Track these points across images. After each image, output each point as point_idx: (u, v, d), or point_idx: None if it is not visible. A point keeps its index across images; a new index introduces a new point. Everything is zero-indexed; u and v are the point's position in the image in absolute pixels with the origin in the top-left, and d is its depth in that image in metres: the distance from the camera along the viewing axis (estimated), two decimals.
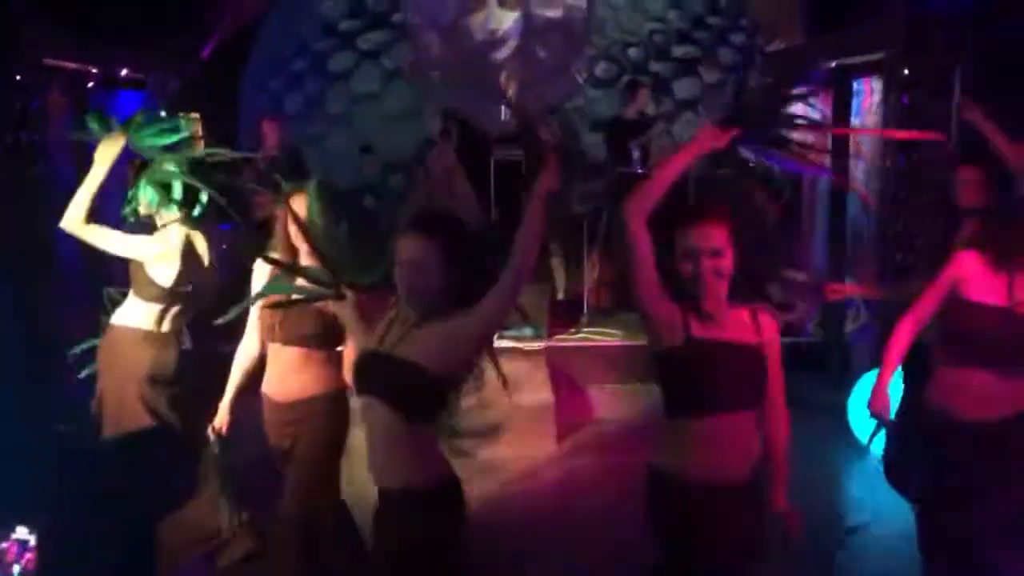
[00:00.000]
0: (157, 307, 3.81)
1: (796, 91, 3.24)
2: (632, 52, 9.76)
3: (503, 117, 9.10)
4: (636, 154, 7.98)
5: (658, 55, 9.68)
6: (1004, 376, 2.95)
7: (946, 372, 3.13)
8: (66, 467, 1.31)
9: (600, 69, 9.69)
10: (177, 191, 3.76)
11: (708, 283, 2.44)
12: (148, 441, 1.62)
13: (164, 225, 3.80)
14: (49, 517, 1.11)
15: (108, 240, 3.69)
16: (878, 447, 4.23)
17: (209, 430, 3.28)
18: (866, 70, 7.33)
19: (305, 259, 3.17)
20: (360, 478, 2.83)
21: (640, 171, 7.75)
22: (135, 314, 3.82)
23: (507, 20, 9.04)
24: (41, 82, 6.04)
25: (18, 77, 5.74)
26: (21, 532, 2.41)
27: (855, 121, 7.67)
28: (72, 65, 6.61)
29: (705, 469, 2.46)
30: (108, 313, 4.01)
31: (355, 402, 2.87)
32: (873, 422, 3.32)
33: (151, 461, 1.51)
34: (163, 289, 3.76)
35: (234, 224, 3.94)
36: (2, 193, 5.59)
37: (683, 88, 9.60)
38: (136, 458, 1.44)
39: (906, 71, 6.49)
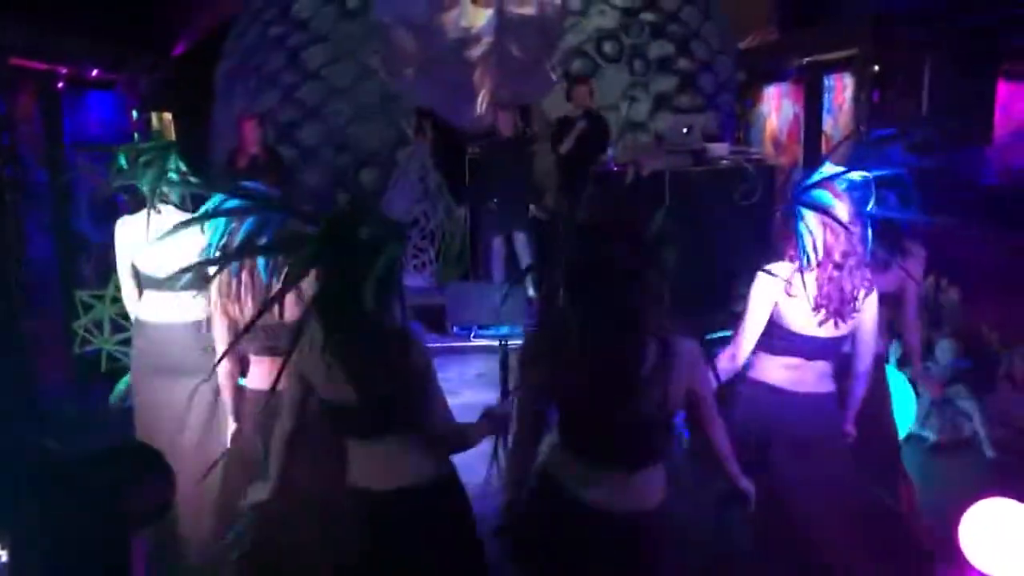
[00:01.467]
0: None
1: None
2: (607, 47, 9.75)
3: (477, 114, 9.09)
4: (610, 152, 8.02)
5: (633, 52, 9.68)
6: None
7: None
8: (40, 480, 1.30)
9: (575, 65, 9.67)
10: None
11: None
12: (128, 455, 1.60)
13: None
14: (20, 532, 1.10)
15: None
16: None
17: None
18: (838, 66, 7.40)
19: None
20: None
21: (615, 168, 7.78)
22: None
23: (481, 18, 9.02)
24: (7, 83, 5.96)
25: None
26: None
27: (826, 116, 7.75)
28: (40, 65, 6.52)
29: None
30: (79, 317, 4.00)
31: None
32: None
33: (129, 476, 1.49)
34: None
35: None
36: None
37: (659, 85, 9.62)
38: (114, 473, 1.42)
39: (876, 68, 6.56)
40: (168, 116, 9.74)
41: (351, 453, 2.59)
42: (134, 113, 7.97)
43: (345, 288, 2.25)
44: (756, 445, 3.03)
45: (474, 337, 6.95)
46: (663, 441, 2.48)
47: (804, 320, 3.03)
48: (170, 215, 3.74)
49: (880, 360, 3.61)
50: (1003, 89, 6.27)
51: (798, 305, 3.02)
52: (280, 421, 2.70)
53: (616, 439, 2.41)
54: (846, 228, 2.92)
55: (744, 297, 3.13)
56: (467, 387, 5.94)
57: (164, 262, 3.72)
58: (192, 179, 3.80)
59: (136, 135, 7.77)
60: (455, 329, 7.00)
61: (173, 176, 3.72)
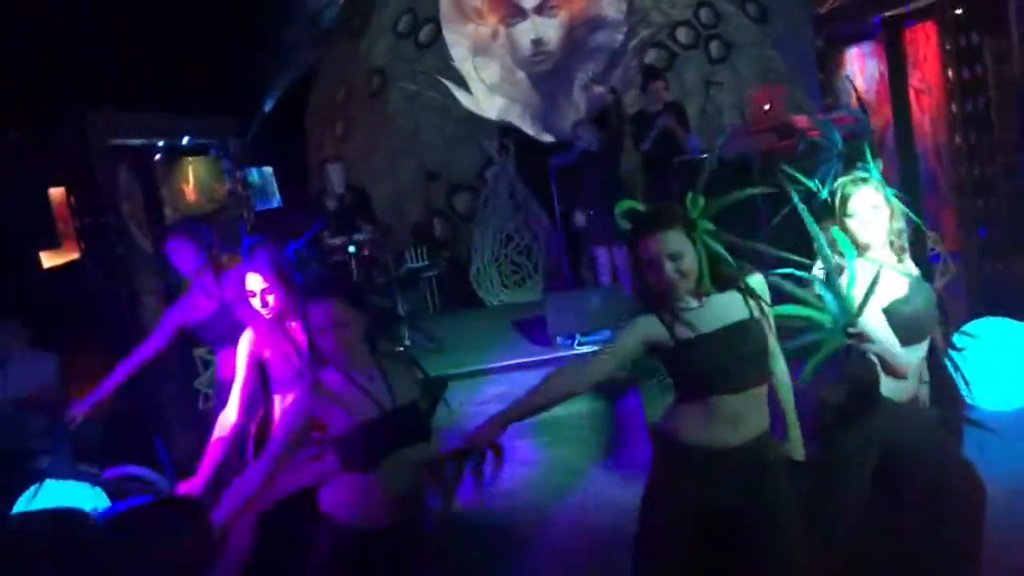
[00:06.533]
0: None
1: None
2: (682, 34, 9.60)
3: (558, 122, 9.13)
4: (694, 139, 7.87)
5: (708, 35, 9.50)
6: None
7: None
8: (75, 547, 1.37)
9: (651, 57, 9.56)
10: None
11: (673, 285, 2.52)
12: (164, 509, 1.67)
13: None
14: None
15: None
16: None
17: None
18: (918, 17, 7.07)
19: None
20: None
21: (703, 156, 7.61)
22: None
23: (548, 29, 9.07)
24: (110, 163, 6.37)
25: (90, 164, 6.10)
26: None
27: (913, 71, 7.41)
28: (137, 141, 6.94)
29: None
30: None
31: None
32: None
33: (166, 532, 1.54)
34: None
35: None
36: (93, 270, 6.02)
37: (739, 64, 9.43)
38: (149, 530, 1.48)
39: (959, 11, 6.24)
40: (269, 169, 10.13)
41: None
42: (225, 175, 8.31)
43: None
44: None
45: (577, 345, 6.94)
46: None
47: None
48: None
49: None
50: None
51: None
52: None
53: None
54: None
55: None
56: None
57: None
58: None
59: (232, 195, 8.14)
60: (559, 339, 7.03)
61: None
